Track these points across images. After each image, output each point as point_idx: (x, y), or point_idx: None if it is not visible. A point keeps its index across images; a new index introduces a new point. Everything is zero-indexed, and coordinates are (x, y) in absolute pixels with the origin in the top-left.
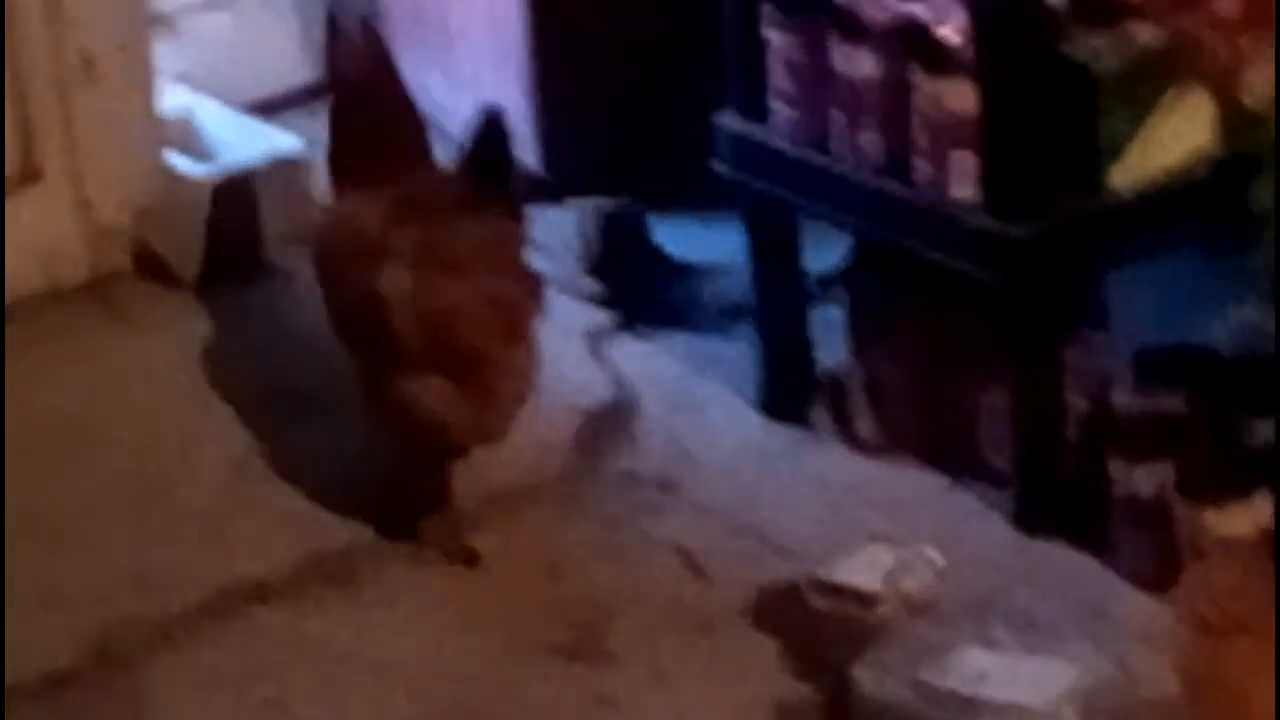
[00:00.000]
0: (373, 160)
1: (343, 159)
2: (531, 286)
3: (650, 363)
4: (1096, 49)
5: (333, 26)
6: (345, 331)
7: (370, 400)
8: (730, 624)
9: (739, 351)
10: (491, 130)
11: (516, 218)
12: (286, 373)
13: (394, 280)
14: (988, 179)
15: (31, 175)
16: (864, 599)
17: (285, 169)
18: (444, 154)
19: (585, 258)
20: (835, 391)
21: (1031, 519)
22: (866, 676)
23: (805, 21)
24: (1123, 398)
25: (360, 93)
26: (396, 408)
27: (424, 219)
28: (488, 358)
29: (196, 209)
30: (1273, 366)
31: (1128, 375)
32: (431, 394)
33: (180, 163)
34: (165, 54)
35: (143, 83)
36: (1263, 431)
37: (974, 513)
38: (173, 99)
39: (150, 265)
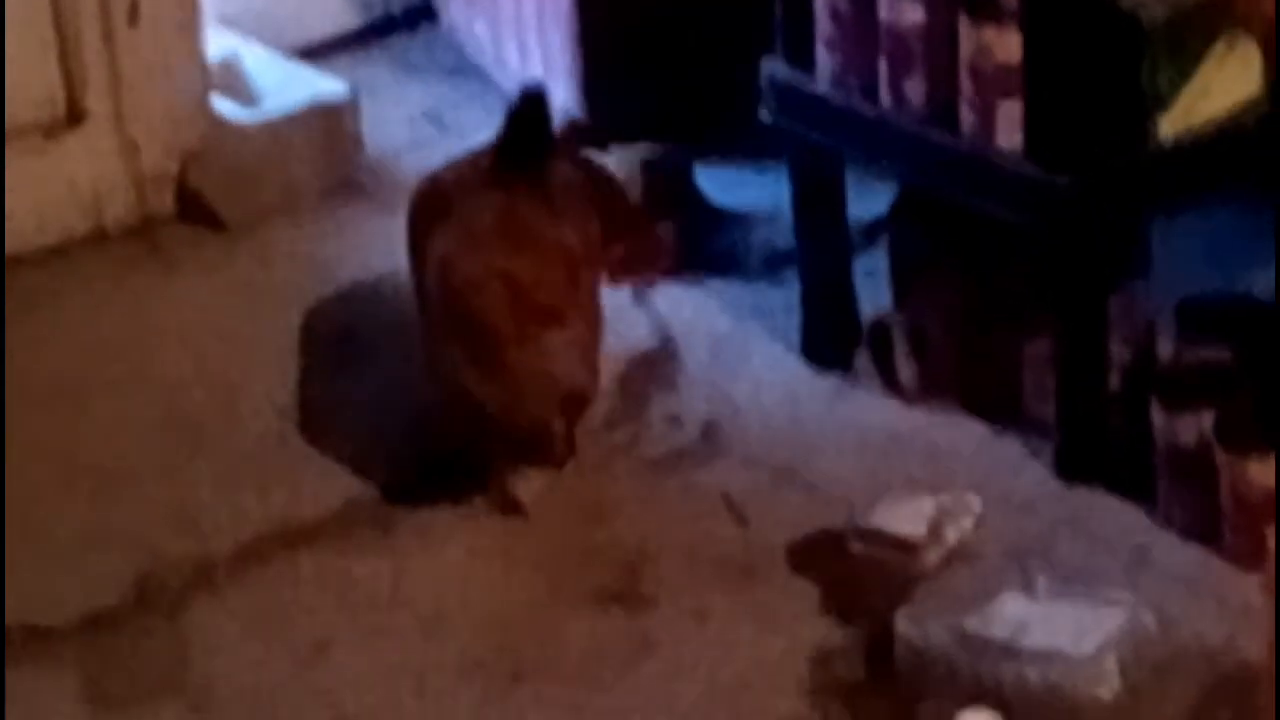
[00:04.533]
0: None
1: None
2: (570, 276)
3: (694, 310)
4: None
5: None
6: (416, 290)
7: (427, 367)
8: (772, 570)
9: (782, 299)
10: (531, 108)
11: (550, 201)
12: (331, 318)
13: (436, 247)
14: (1033, 128)
15: (78, 118)
16: (906, 546)
17: (330, 113)
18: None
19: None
20: (878, 339)
21: (1074, 467)
22: (907, 623)
23: None
24: (1166, 347)
25: None
26: (432, 371)
27: (470, 191)
28: (498, 334)
29: (242, 153)
30: None
31: (1171, 325)
32: (450, 364)
33: (226, 107)
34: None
35: (189, 27)
36: None
37: (1016, 461)
38: (218, 43)
39: (195, 209)
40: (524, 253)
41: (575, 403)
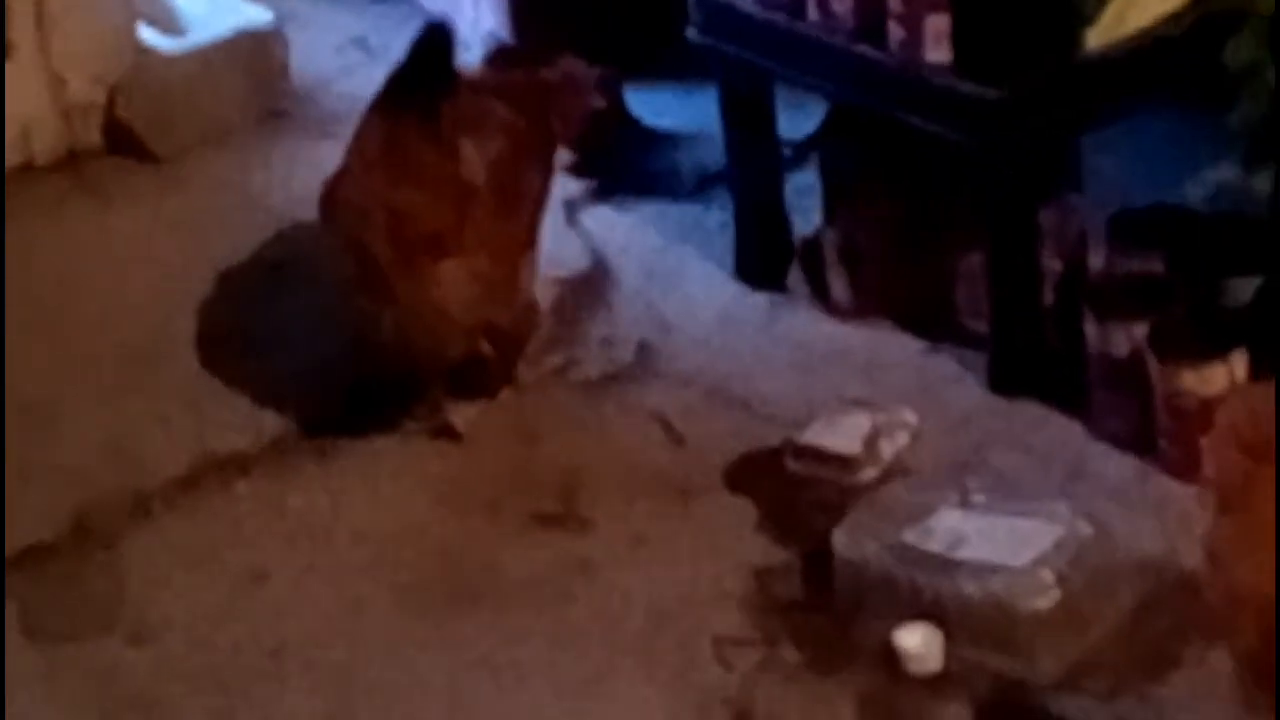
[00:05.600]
0: None
1: None
2: (457, 209)
3: (626, 231)
4: None
5: None
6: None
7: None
8: (709, 490)
9: (715, 219)
10: (431, 42)
11: (439, 133)
12: (261, 247)
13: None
14: (961, 41)
15: (3, 52)
16: (842, 463)
17: (257, 41)
18: None
19: None
20: (811, 257)
21: (1008, 381)
22: (845, 540)
23: None
24: (1098, 259)
25: None
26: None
27: (364, 119)
28: (383, 262)
29: (169, 83)
30: (1248, 226)
31: (1103, 237)
32: (349, 290)
33: (152, 37)
34: None
35: None
36: (1239, 291)
37: (950, 376)
38: None
39: (123, 140)
40: (407, 183)
41: (500, 336)
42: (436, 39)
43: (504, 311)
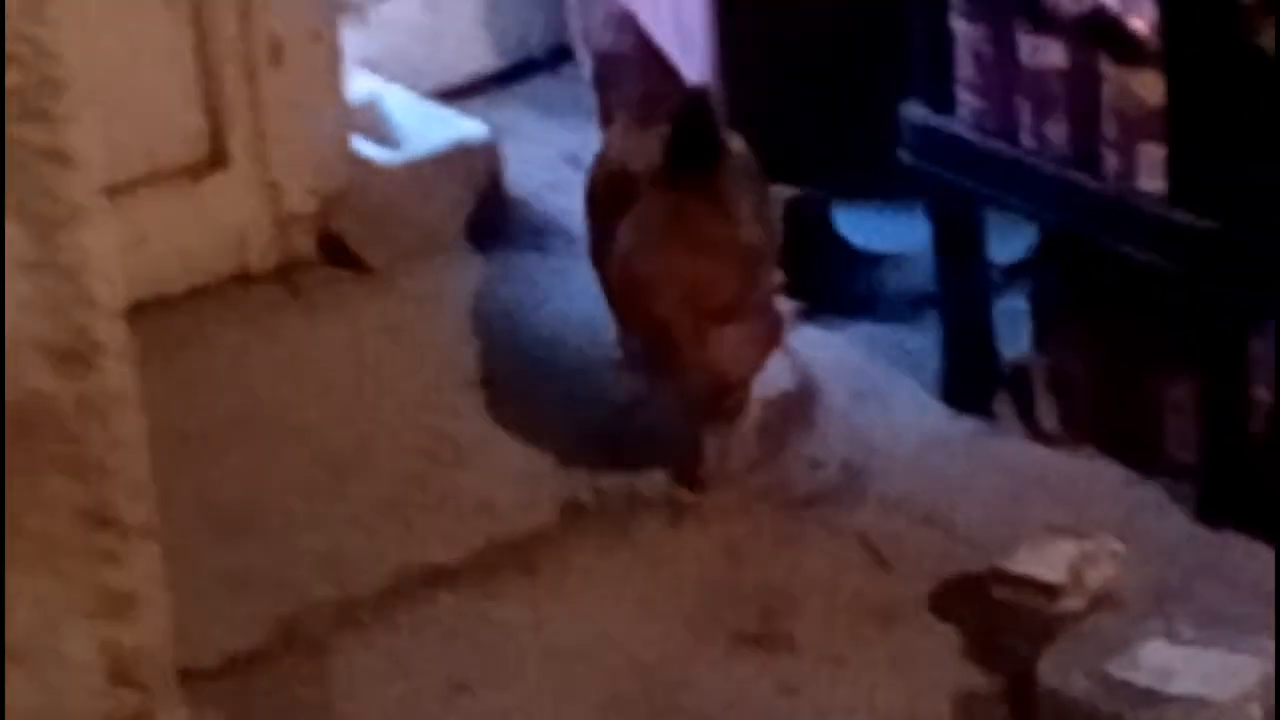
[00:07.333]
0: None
1: (607, 110)
2: (744, 275)
3: (834, 351)
4: None
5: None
6: (596, 264)
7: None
8: (912, 614)
9: (922, 341)
10: (694, 110)
11: (722, 201)
12: (472, 359)
13: (619, 242)
14: (1175, 170)
15: (220, 160)
16: (1047, 591)
17: (471, 155)
18: None
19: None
20: (1019, 382)
21: (1215, 512)
22: (1049, 669)
23: (992, 11)
24: None
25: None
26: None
27: (647, 190)
28: (675, 333)
29: (383, 195)
30: None
31: None
32: (635, 351)
33: (367, 149)
34: (353, 39)
35: (331, 68)
36: None
37: (1157, 505)
38: (359, 85)
39: (337, 251)
40: (699, 255)
41: (720, 388)
42: (699, 107)
43: (754, 374)
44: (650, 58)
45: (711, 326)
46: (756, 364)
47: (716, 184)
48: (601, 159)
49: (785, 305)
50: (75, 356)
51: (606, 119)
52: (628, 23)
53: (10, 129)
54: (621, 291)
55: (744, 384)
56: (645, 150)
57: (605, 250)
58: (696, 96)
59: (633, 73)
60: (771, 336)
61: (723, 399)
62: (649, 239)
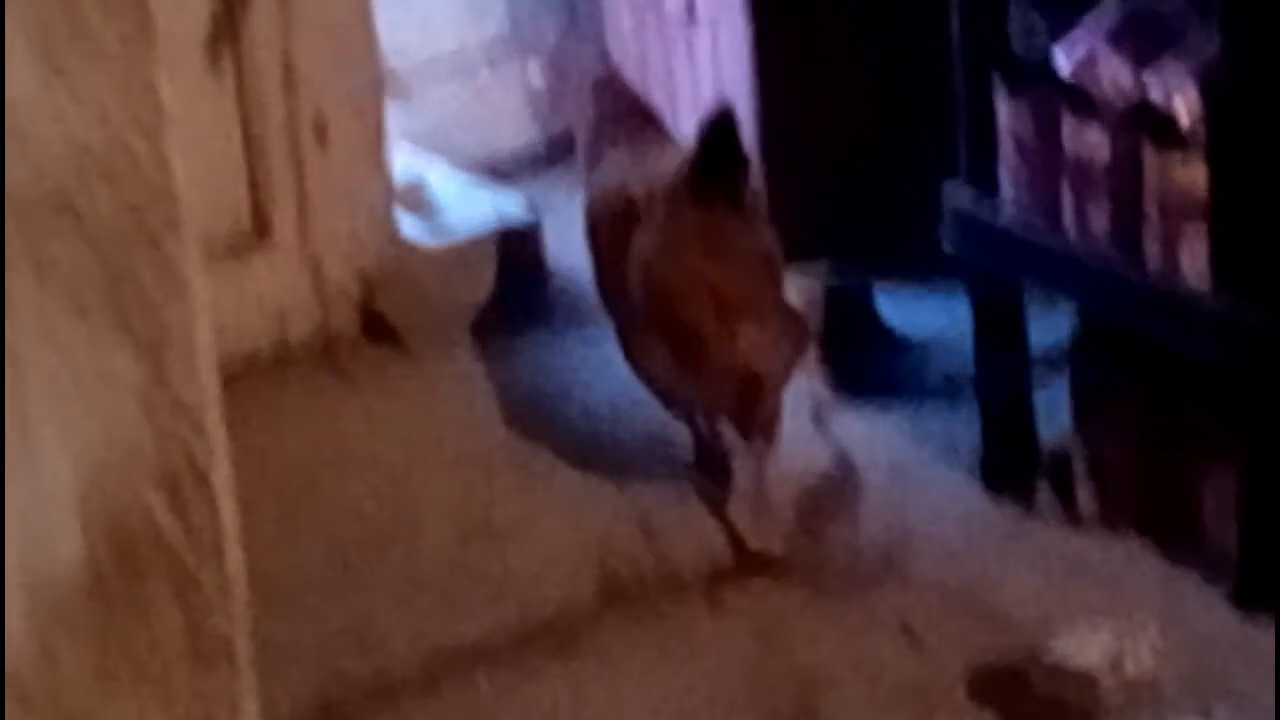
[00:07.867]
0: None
1: (596, 143)
2: (767, 276)
3: (872, 435)
4: None
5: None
6: (604, 291)
7: (626, 356)
8: (949, 700)
9: (961, 425)
10: (719, 128)
11: (743, 212)
12: (513, 439)
13: (640, 246)
14: (1219, 261)
15: (264, 236)
16: (1085, 679)
17: (513, 235)
18: None
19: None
20: (1058, 467)
21: (1253, 599)
22: None
23: (1035, 97)
24: None
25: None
26: (638, 365)
27: (667, 197)
28: (698, 335)
29: (425, 274)
30: None
31: None
32: (655, 359)
33: (410, 227)
34: (397, 116)
35: (375, 146)
36: None
37: (1195, 592)
38: (404, 161)
39: (379, 328)
40: (726, 260)
41: (752, 385)
42: (723, 122)
43: (777, 370)
44: (628, 102)
45: (739, 323)
46: (784, 365)
47: (740, 193)
48: (599, 189)
49: (820, 391)
50: (180, 483)
51: (593, 161)
52: (610, 83)
53: (121, 248)
54: (650, 299)
55: (775, 387)
56: (644, 174)
57: (615, 276)
58: (722, 114)
59: (606, 104)
60: (798, 338)
61: (755, 401)
62: (677, 247)
